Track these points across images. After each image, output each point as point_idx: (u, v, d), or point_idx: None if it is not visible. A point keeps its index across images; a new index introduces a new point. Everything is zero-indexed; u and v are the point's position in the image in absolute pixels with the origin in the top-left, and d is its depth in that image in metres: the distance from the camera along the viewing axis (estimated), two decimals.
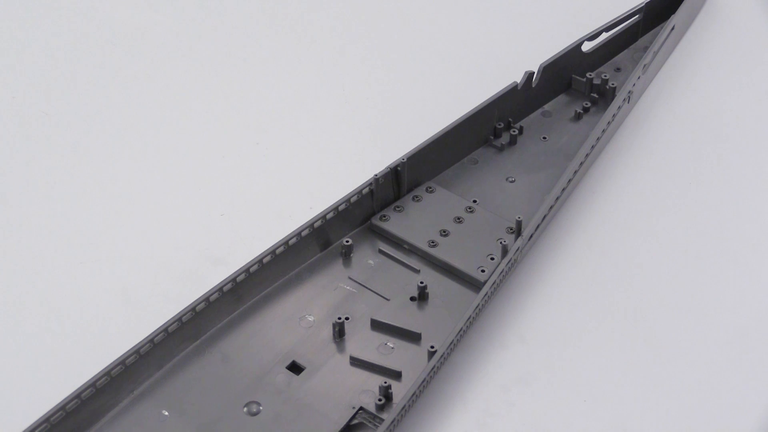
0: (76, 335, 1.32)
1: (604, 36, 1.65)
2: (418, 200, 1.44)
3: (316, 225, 1.35)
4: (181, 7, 1.79)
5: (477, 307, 1.28)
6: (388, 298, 1.33)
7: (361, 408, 1.21)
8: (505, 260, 1.32)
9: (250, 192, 1.50)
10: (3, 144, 1.55)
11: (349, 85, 1.68)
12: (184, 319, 1.24)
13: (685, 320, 1.36)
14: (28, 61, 1.68)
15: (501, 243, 1.34)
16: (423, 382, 1.21)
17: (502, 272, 1.32)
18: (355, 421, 1.21)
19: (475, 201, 1.44)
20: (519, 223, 1.34)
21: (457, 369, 1.30)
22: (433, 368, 1.22)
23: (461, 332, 1.27)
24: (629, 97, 1.57)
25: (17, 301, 1.35)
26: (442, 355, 1.23)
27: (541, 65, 1.55)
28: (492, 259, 1.36)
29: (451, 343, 1.25)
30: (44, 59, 1.69)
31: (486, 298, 1.31)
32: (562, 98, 1.62)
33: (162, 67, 1.69)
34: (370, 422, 1.20)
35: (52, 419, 1.13)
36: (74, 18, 1.76)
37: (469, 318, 1.27)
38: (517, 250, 1.35)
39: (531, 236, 1.39)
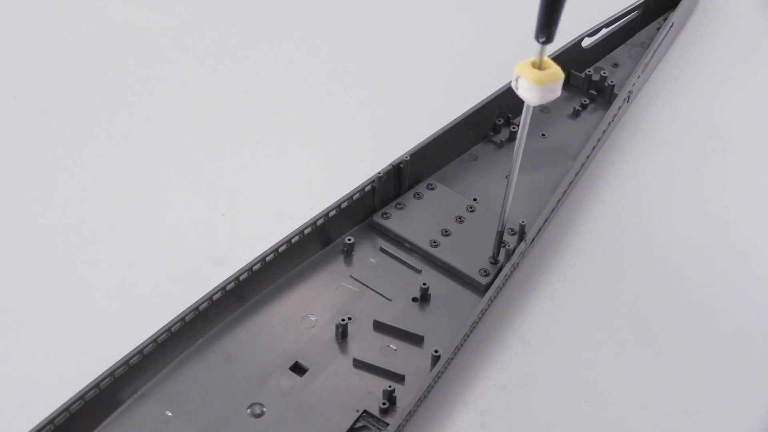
0: (79, 336, 1.31)
1: (603, 32, 1.66)
2: (419, 198, 1.44)
3: (318, 223, 1.34)
4: (183, 8, 1.78)
5: (481, 312, 1.29)
6: (390, 298, 1.33)
7: (365, 411, 1.22)
8: (509, 265, 1.33)
9: (251, 192, 1.50)
10: (3, 144, 1.54)
11: (348, 85, 1.67)
12: (187, 318, 1.24)
13: (686, 321, 1.38)
14: (28, 61, 1.66)
15: (505, 247, 1.34)
16: (428, 387, 1.21)
17: (505, 276, 1.33)
18: (359, 425, 1.21)
19: (475, 199, 1.45)
20: (522, 227, 1.34)
21: (458, 370, 1.31)
22: (437, 374, 1.23)
23: (465, 337, 1.27)
24: (629, 96, 1.58)
25: (19, 301, 1.35)
26: (446, 360, 1.24)
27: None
28: (494, 262, 1.36)
29: (455, 348, 1.25)
30: (45, 59, 1.67)
31: (490, 302, 1.31)
32: (561, 93, 1.61)
33: (163, 67, 1.68)
34: (374, 426, 1.21)
35: (56, 420, 1.13)
36: (76, 18, 1.74)
37: (473, 323, 1.27)
38: (521, 254, 1.35)
39: (533, 239, 1.40)
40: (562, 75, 1.09)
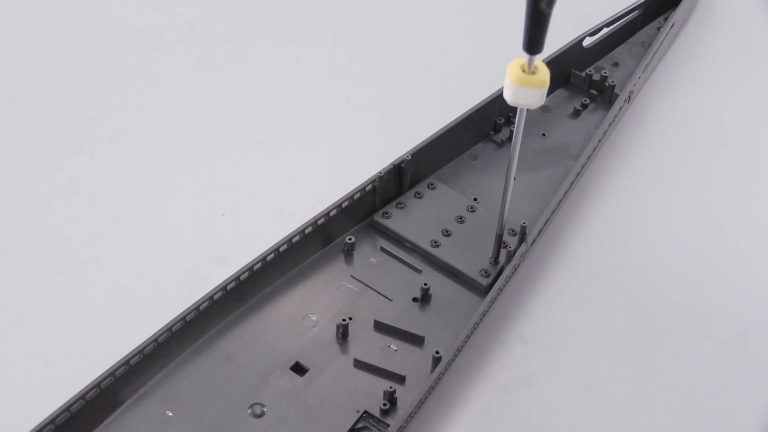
0: (80, 336, 1.31)
1: (604, 31, 1.66)
2: (419, 197, 1.44)
3: (319, 222, 1.34)
4: (183, 7, 1.77)
5: (482, 313, 1.29)
6: (390, 298, 1.33)
7: (365, 412, 1.22)
8: (510, 266, 1.32)
9: (251, 192, 1.49)
10: (4, 143, 1.53)
11: (349, 85, 1.67)
12: (188, 318, 1.23)
13: (686, 321, 1.38)
14: (29, 61, 1.66)
15: (505, 248, 1.34)
16: (429, 389, 1.21)
17: (506, 278, 1.33)
18: (359, 425, 1.21)
19: (475, 199, 1.44)
20: (523, 229, 1.34)
21: (458, 370, 1.31)
22: (438, 375, 1.23)
23: (466, 339, 1.27)
24: (629, 97, 1.58)
25: (20, 301, 1.34)
26: (447, 362, 1.24)
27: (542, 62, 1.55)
28: (494, 263, 1.36)
29: (456, 349, 1.25)
30: (45, 59, 1.66)
31: (490, 303, 1.31)
32: (560, 93, 1.62)
33: (163, 67, 1.67)
34: (374, 426, 1.21)
35: (57, 420, 1.13)
36: (76, 18, 1.73)
37: (474, 325, 1.27)
38: (522, 255, 1.35)
39: (534, 240, 1.39)
40: (545, 83, 1.11)
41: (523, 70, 1.10)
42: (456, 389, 1.29)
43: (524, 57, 1.11)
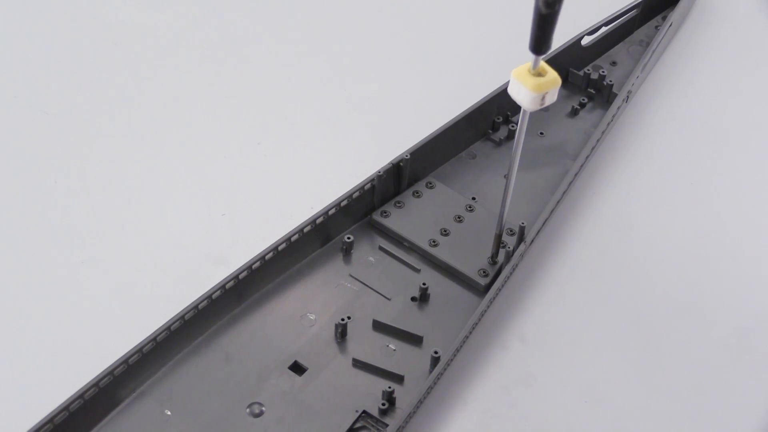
0: (79, 335, 1.31)
1: (602, 30, 1.66)
2: (418, 196, 1.44)
3: (318, 221, 1.34)
4: (183, 7, 1.77)
5: (481, 313, 1.29)
6: (389, 297, 1.33)
7: (364, 412, 1.22)
8: (509, 266, 1.32)
9: (251, 192, 1.49)
10: (3, 144, 1.53)
11: (348, 84, 1.66)
12: (186, 317, 1.23)
13: (685, 321, 1.38)
14: (29, 61, 1.65)
15: (504, 248, 1.34)
16: (427, 389, 1.21)
17: (505, 278, 1.33)
18: (358, 425, 1.21)
19: (474, 198, 1.44)
20: (522, 229, 1.34)
21: (457, 370, 1.31)
22: (437, 375, 1.23)
23: (465, 339, 1.27)
24: (628, 96, 1.58)
25: (20, 301, 1.34)
26: (446, 362, 1.24)
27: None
28: (493, 263, 1.36)
29: (454, 349, 1.25)
30: (45, 59, 1.66)
31: (489, 303, 1.31)
32: (559, 91, 1.61)
33: (163, 67, 1.67)
34: (373, 426, 1.21)
35: (55, 419, 1.13)
36: (76, 18, 1.73)
37: (472, 325, 1.27)
38: (520, 255, 1.35)
39: (532, 240, 1.40)
40: (559, 81, 1.10)
41: (536, 75, 1.09)
42: (455, 389, 1.29)
43: (519, 57, 1.12)
